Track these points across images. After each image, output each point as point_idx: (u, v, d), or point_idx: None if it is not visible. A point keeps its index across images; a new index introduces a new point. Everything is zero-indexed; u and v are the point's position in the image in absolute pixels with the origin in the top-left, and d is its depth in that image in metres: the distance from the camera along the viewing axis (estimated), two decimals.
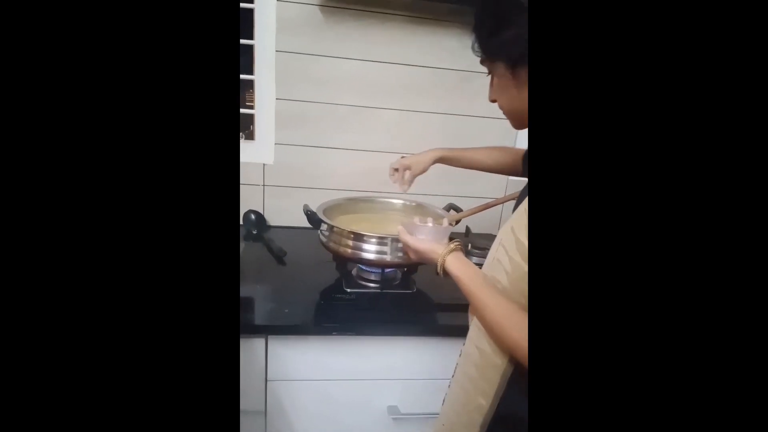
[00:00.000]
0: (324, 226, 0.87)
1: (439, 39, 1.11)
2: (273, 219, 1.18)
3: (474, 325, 0.56)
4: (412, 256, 0.72)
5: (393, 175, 0.90)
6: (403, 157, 0.89)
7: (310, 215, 0.87)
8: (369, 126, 1.16)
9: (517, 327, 0.48)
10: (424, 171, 0.89)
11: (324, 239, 0.87)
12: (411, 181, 0.89)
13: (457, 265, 0.61)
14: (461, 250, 0.65)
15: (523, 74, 0.53)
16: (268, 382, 0.80)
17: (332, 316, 0.81)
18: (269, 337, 0.77)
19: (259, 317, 0.77)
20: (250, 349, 0.77)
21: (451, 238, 0.68)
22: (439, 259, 0.63)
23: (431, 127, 1.18)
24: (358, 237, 0.83)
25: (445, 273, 0.63)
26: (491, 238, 0.56)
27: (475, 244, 1.06)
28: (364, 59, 1.11)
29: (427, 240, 0.68)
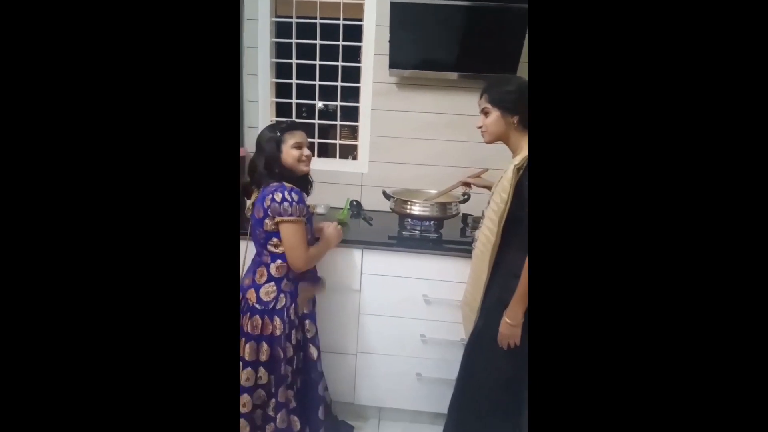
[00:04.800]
0: (392, 199, 1.67)
1: (460, 97, 1.88)
2: (367, 204, 2.00)
3: (486, 220, 1.26)
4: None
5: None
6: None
7: (385, 194, 1.67)
8: (422, 149, 1.95)
9: None
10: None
11: (392, 206, 1.66)
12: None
13: None
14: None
15: (507, 116, 1.21)
16: (362, 275, 1.59)
17: (395, 242, 1.58)
18: (364, 249, 1.57)
19: (359, 240, 1.58)
20: (353, 255, 1.58)
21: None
22: None
23: (457, 150, 1.93)
24: (409, 203, 1.61)
25: None
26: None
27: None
28: (420, 111, 1.91)
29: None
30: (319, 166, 2.02)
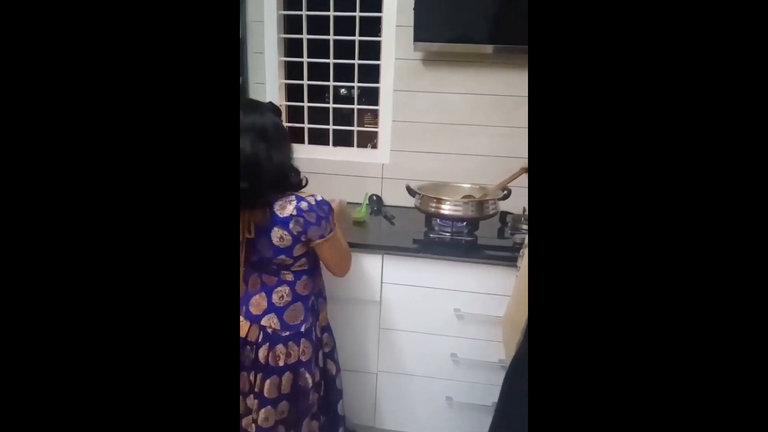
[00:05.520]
0: (417, 195, 1.42)
1: (496, 75, 1.61)
2: (388, 200, 1.77)
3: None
4: None
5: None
6: None
7: (410, 189, 1.43)
8: (451, 136, 1.69)
9: None
10: None
11: (417, 203, 1.42)
12: None
13: None
14: None
15: None
16: (383, 284, 1.37)
17: (421, 247, 1.35)
18: (384, 255, 1.34)
19: (379, 244, 1.35)
20: (372, 261, 1.35)
21: None
22: None
23: (492, 137, 1.67)
24: (438, 200, 1.36)
25: None
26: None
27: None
28: (450, 92, 1.65)
29: None
30: (334, 156, 1.80)
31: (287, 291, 1.08)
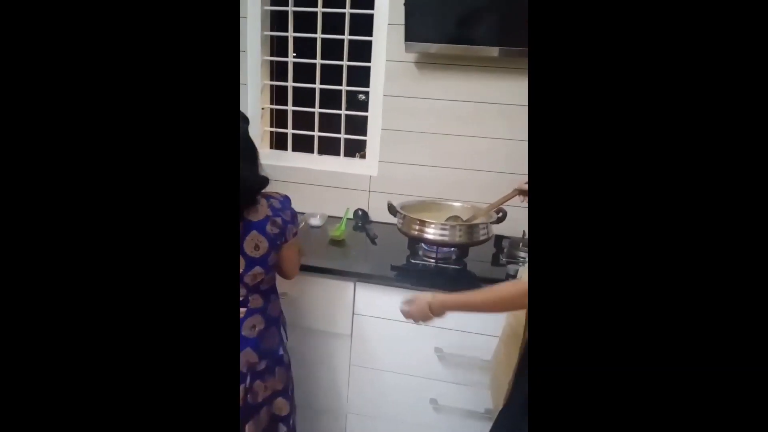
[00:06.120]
0: (399, 215, 1.25)
1: (502, 81, 1.42)
2: (374, 216, 1.60)
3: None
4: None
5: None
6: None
7: (391, 208, 1.26)
8: (448, 148, 1.51)
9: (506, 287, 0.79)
10: None
11: (399, 225, 1.25)
12: None
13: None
14: None
15: None
16: (354, 315, 1.20)
17: (399, 275, 1.17)
18: (357, 282, 1.17)
19: (350, 271, 1.17)
20: (343, 290, 1.18)
21: None
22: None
23: (497, 150, 1.48)
24: (422, 222, 1.19)
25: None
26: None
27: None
28: (447, 98, 1.48)
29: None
30: (319, 165, 1.64)
31: (259, 319, 0.96)
